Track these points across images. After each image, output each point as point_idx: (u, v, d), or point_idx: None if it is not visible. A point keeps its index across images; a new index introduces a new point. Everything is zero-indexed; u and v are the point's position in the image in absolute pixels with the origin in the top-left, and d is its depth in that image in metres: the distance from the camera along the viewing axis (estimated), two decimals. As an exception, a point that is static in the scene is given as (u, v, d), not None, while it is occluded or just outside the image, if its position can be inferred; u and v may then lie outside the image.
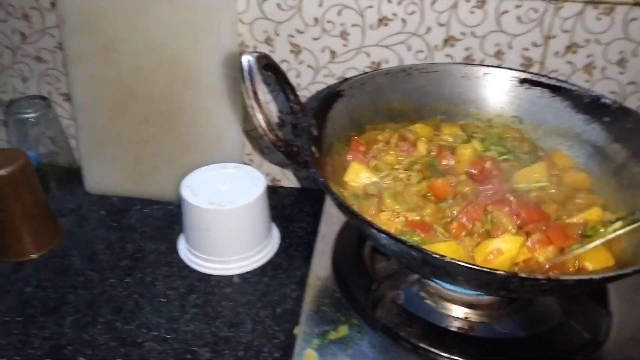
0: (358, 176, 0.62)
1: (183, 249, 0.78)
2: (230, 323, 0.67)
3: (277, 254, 0.78)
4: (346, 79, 0.71)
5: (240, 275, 0.74)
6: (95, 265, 0.76)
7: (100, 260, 0.77)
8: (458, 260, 0.44)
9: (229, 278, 0.74)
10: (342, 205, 0.51)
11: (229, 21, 0.76)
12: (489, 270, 0.43)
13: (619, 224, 0.53)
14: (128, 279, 0.74)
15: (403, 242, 0.47)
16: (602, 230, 0.53)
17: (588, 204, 0.59)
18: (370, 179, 0.62)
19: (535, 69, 0.75)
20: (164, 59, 0.79)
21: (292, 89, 0.68)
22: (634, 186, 0.59)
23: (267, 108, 0.56)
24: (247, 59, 0.56)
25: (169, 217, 0.84)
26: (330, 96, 0.65)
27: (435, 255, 0.45)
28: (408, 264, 0.52)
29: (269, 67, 0.63)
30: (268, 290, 0.72)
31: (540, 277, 0.42)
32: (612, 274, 0.43)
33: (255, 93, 0.55)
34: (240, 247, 0.74)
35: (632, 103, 0.75)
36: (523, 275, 0.42)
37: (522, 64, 0.75)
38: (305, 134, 0.59)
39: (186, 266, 0.76)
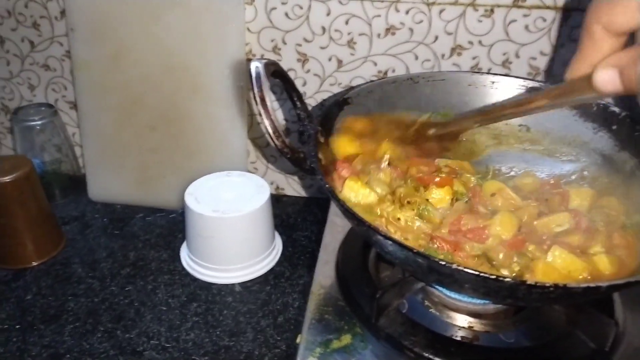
0: (352, 193, 0.60)
1: (185, 257, 0.77)
2: (231, 332, 0.66)
3: (280, 263, 0.77)
4: (353, 87, 0.70)
5: (242, 284, 0.73)
6: (97, 273, 0.75)
7: (102, 268, 0.76)
8: (465, 268, 0.43)
9: (231, 286, 0.73)
10: (348, 212, 0.50)
11: (237, 30, 0.76)
12: (496, 277, 0.42)
13: None
14: (129, 287, 0.73)
15: (409, 249, 0.46)
16: None
17: None
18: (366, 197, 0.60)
19: (541, 77, 0.74)
20: (172, 67, 0.79)
21: (299, 96, 0.67)
22: (642, 194, 0.58)
23: (274, 115, 0.56)
24: (255, 66, 0.56)
25: (172, 225, 0.84)
26: (337, 104, 0.65)
27: (442, 262, 0.44)
28: (414, 271, 0.51)
29: (277, 74, 0.62)
30: (270, 299, 0.71)
31: (548, 284, 0.41)
32: (620, 281, 0.42)
33: (263, 99, 0.55)
34: (243, 256, 0.73)
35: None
36: (531, 282, 0.41)
37: (529, 72, 0.74)
38: (311, 140, 0.58)
39: (188, 274, 0.75)
